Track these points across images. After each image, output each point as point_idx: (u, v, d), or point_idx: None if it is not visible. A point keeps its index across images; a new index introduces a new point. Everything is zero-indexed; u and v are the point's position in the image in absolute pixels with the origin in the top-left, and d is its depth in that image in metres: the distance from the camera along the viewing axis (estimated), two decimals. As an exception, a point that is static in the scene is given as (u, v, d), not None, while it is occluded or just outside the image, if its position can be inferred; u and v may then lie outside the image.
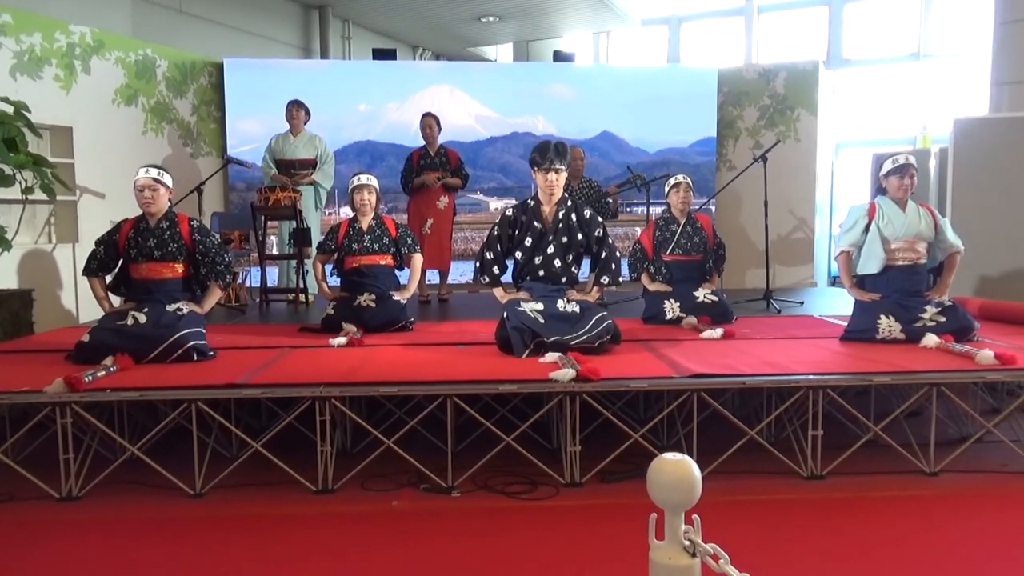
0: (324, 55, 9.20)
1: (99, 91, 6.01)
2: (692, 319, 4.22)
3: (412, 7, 9.35)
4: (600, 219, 3.73)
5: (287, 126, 6.11)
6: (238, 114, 6.97)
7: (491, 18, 9.92)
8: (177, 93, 6.68)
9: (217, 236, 3.72)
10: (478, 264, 3.74)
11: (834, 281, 8.46)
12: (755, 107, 7.64)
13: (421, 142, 5.95)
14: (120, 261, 3.62)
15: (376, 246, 4.32)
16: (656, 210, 6.79)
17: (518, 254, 3.68)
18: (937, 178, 6.77)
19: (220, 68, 6.97)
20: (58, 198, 4.91)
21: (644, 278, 4.58)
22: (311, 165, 6.04)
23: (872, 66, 10.68)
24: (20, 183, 4.51)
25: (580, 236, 3.65)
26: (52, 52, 5.64)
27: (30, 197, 4.59)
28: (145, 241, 3.47)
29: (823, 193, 7.93)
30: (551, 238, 3.61)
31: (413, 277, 4.42)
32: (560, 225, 3.60)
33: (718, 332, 3.94)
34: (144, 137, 6.39)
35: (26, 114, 4.47)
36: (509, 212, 3.70)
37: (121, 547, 2.47)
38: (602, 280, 3.66)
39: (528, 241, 3.64)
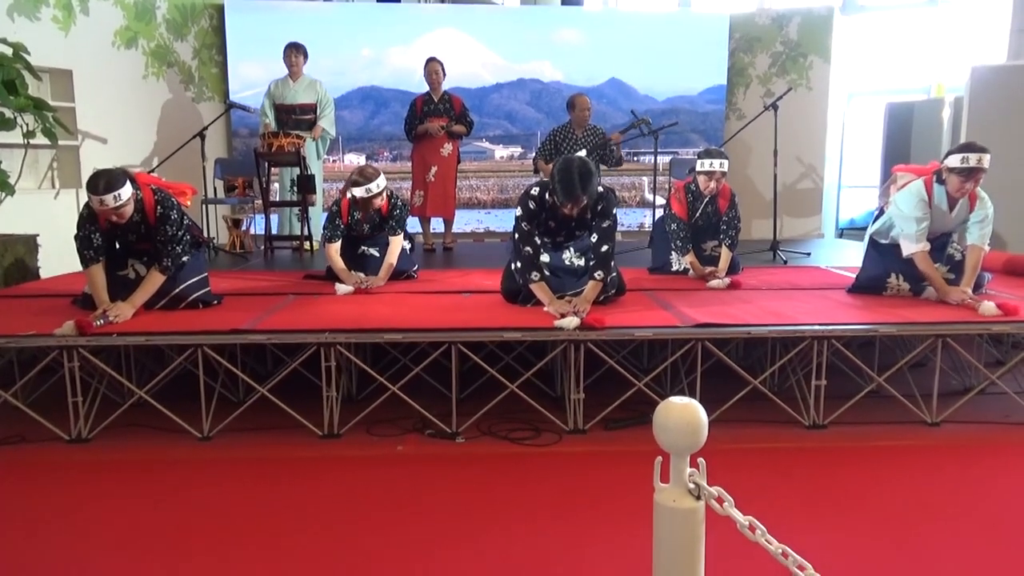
0: (327, -3, 8.99)
1: (98, 33, 5.90)
2: (702, 268, 4.16)
3: (417, -52, 9.09)
4: (615, 214, 3.39)
5: (287, 71, 6.00)
6: (240, 58, 6.85)
7: (498, -41, 9.65)
8: (178, 36, 6.56)
9: (180, 224, 3.30)
10: (518, 264, 3.36)
11: (842, 233, 8.40)
12: (767, 54, 7.48)
13: (426, 88, 5.85)
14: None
15: (375, 231, 4.19)
16: (663, 159, 6.72)
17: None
18: (951, 128, 6.65)
19: (221, 10, 6.82)
20: (60, 142, 4.86)
21: (690, 258, 4.21)
22: (311, 110, 5.95)
23: (888, 12, 10.40)
24: (21, 127, 4.47)
25: (592, 218, 3.41)
26: (49, -8, 5.52)
27: (32, 141, 4.55)
28: (124, 236, 3.33)
29: (834, 143, 7.82)
30: (563, 231, 3.49)
31: (388, 259, 3.98)
32: (575, 223, 3.44)
33: (725, 281, 3.92)
34: (145, 81, 6.30)
35: (25, 56, 4.40)
36: (531, 205, 3.35)
37: (131, 488, 2.51)
38: (596, 275, 3.30)
39: (540, 228, 3.45)
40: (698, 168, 4.15)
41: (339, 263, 3.95)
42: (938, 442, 2.91)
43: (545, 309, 3.20)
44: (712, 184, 4.12)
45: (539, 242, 3.39)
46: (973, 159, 3.26)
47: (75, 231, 3.22)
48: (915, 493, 2.46)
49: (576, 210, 3.27)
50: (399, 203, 4.07)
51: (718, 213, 4.24)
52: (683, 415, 1.18)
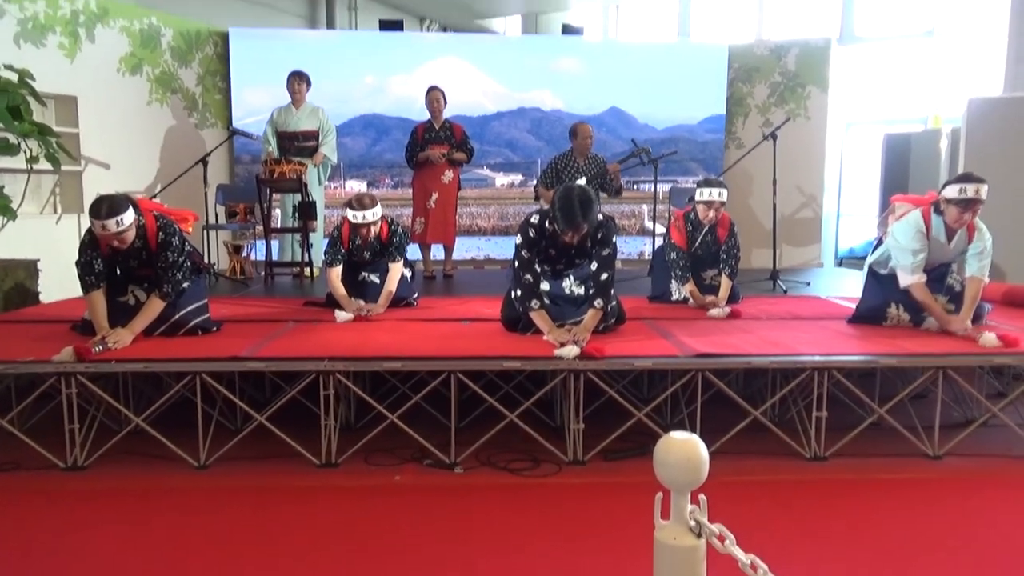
0: (330, 25, 9.11)
1: (104, 60, 5.96)
2: (702, 297, 4.16)
3: (420, -22, 9.22)
4: (614, 242, 3.38)
5: (289, 98, 6.05)
6: (244, 84, 6.92)
7: (500, -10, 9.79)
8: (182, 62, 6.63)
9: (181, 250, 3.29)
10: (518, 292, 3.33)
11: (841, 262, 8.42)
12: (765, 84, 7.55)
13: (427, 116, 5.90)
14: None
15: (375, 256, 4.21)
16: (663, 188, 6.75)
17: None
18: (948, 159, 6.70)
19: (225, 38, 6.90)
20: (63, 168, 4.88)
21: (690, 287, 4.21)
22: (313, 137, 5.99)
23: (885, 43, 10.52)
24: (25, 152, 4.49)
25: (592, 247, 3.42)
26: (56, 20, 5.59)
27: (35, 166, 4.57)
28: (126, 262, 3.34)
29: (832, 172, 7.87)
30: (563, 258, 3.50)
31: (387, 286, 3.98)
32: (574, 251, 3.45)
33: (725, 310, 3.92)
34: (149, 107, 6.35)
35: (30, 82, 4.43)
36: (531, 233, 3.36)
37: (126, 517, 2.48)
38: (596, 304, 3.28)
39: (540, 256, 3.46)
40: (697, 197, 4.17)
41: (340, 289, 3.95)
42: (940, 475, 2.89)
43: (545, 338, 3.19)
44: (711, 213, 4.13)
45: (539, 270, 3.39)
46: (971, 190, 3.27)
47: (76, 256, 3.23)
48: (917, 527, 2.44)
49: (576, 238, 3.27)
50: (399, 230, 4.08)
51: (717, 242, 4.25)
52: (684, 451, 1.17)
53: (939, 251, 3.48)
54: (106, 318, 3.18)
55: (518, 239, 3.39)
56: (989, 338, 3.11)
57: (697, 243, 4.28)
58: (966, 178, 3.33)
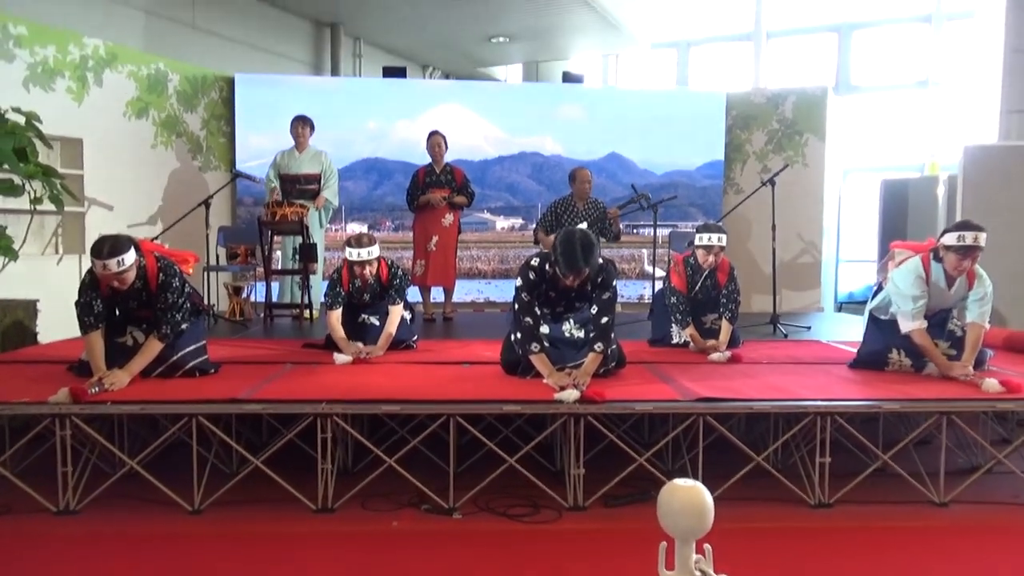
0: (335, 72, 9.27)
1: (111, 103, 6.05)
2: (703, 341, 4.15)
3: (423, 26, 9.43)
4: (615, 285, 3.39)
5: (293, 142, 6.12)
6: (248, 129, 7.00)
7: (501, 39, 9.99)
8: (188, 107, 6.72)
9: (181, 291, 3.29)
10: (518, 335, 3.30)
11: (841, 307, 8.42)
12: (763, 131, 7.65)
13: (429, 159, 5.96)
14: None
15: (375, 299, 4.22)
16: (663, 232, 6.79)
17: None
18: (946, 206, 6.75)
19: (231, 83, 7.02)
20: (66, 209, 4.91)
21: (690, 331, 4.19)
22: (315, 180, 6.05)
23: (880, 92, 10.71)
24: (29, 193, 4.52)
25: (592, 290, 3.42)
26: (65, 64, 5.69)
27: (38, 207, 4.59)
28: (124, 304, 3.32)
29: (831, 219, 7.92)
30: (564, 302, 3.50)
31: (387, 329, 3.97)
32: (574, 294, 3.45)
33: (726, 355, 3.91)
34: (153, 150, 6.42)
35: (37, 124, 4.49)
36: (531, 276, 3.35)
37: (116, 563, 2.43)
38: (596, 347, 3.26)
39: (540, 299, 3.45)
40: (697, 242, 4.18)
41: (339, 331, 3.93)
42: (947, 523, 2.84)
43: (545, 381, 3.17)
44: (711, 258, 4.15)
45: (539, 313, 3.38)
46: (969, 237, 3.28)
47: (76, 297, 3.22)
48: (926, 578, 2.39)
49: (577, 281, 3.27)
50: (399, 272, 4.09)
51: (717, 287, 4.25)
52: (689, 498, 1.15)
53: (939, 297, 3.48)
54: (104, 359, 3.16)
55: (518, 282, 3.39)
56: (992, 384, 3.09)
57: (697, 287, 4.28)
58: (965, 226, 3.35)
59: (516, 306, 3.37)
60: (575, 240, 3.17)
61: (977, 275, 3.43)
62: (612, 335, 3.38)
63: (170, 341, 3.26)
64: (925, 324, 3.42)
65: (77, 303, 3.21)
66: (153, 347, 3.22)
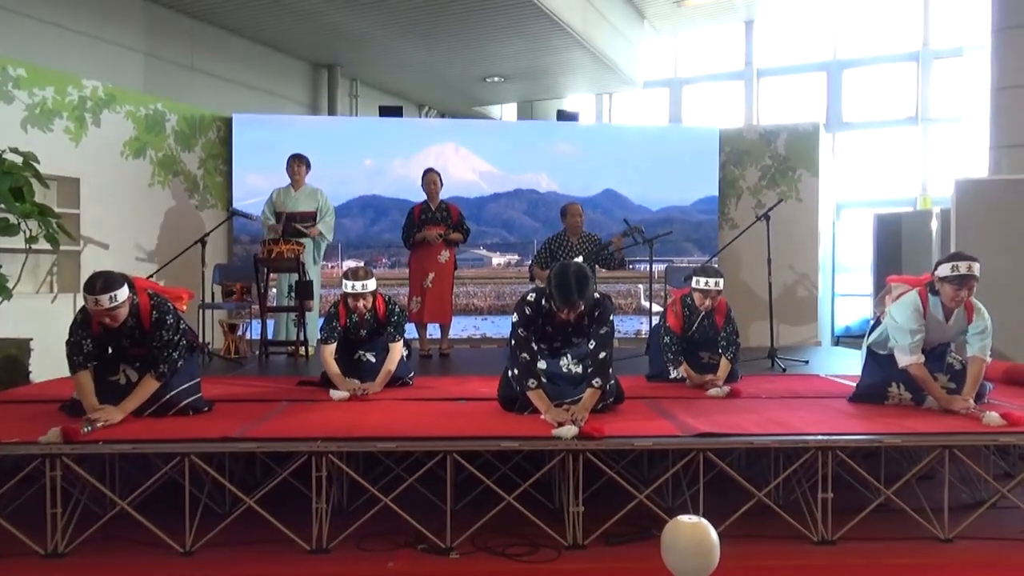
0: (332, 112, 9.36)
1: (108, 144, 6.08)
2: (699, 377, 4.14)
3: (419, 67, 9.56)
4: (611, 320, 3.38)
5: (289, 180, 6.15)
6: (245, 168, 7.04)
7: (496, 79, 10.13)
8: (185, 146, 6.77)
9: (176, 329, 3.27)
10: (515, 371, 3.29)
11: (838, 340, 8.41)
12: (756, 167, 7.72)
13: (424, 197, 5.98)
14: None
15: (372, 335, 4.20)
16: (659, 267, 6.80)
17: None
18: (939, 239, 6.79)
19: (228, 123, 7.07)
20: (62, 248, 4.91)
21: (683, 369, 4.19)
22: (311, 218, 6.06)
23: (871, 129, 10.85)
24: (24, 232, 4.52)
25: (589, 325, 3.40)
26: (64, 105, 5.73)
27: (34, 246, 4.59)
28: (118, 341, 3.31)
29: (825, 253, 7.95)
30: (560, 337, 3.49)
31: (387, 366, 3.95)
32: (571, 329, 3.44)
33: (724, 390, 3.88)
34: (151, 189, 6.44)
35: (34, 164, 4.51)
36: (527, 311, 3.35)
37: (105, 608, 2.37)
38: (594, 383, 3.24)
39: (537, 334, 3.45)
40: (694, 286, 4.21)
41: (333, 367, 3.91)
42: (952, 560, 2.79)
43: (542, 417, 3.14)
44: (708, 301, 4.18)
45: (536, 349, 3.36)
46: (963, 267, 3.29)
47: (67, 336, 3.19)
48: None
49: (573, 315, 3.26)
50: (397, 308, 4.08)
51: (715, 327, 4.27)
52: (694, 536, 1.12)
53: (938, 331, 3.47)
54: (94, 397, 3.13)
55: (514, 317, 3.37)
56: (993, 417, 3.07)
57: (694, 327, 4.30)
58: (957, 256, 3.37)
59: (513, 342, 3.35)
60: (570, 274, 3.17)
61: (975, 308, 3.43)
62: (610, 370, 3.36)
63: (166, 380, 3.23)
64: (923, 359, 3.41)
65: (67, 342, 3.19)
66: (149, 386, 3.19)
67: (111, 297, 3.01)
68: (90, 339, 3.19)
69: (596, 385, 3.24)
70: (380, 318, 4.06)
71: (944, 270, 3.34)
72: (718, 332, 4.26)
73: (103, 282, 3.03)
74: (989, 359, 3.42)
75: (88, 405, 3.09)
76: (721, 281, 4.15)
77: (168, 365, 3.22)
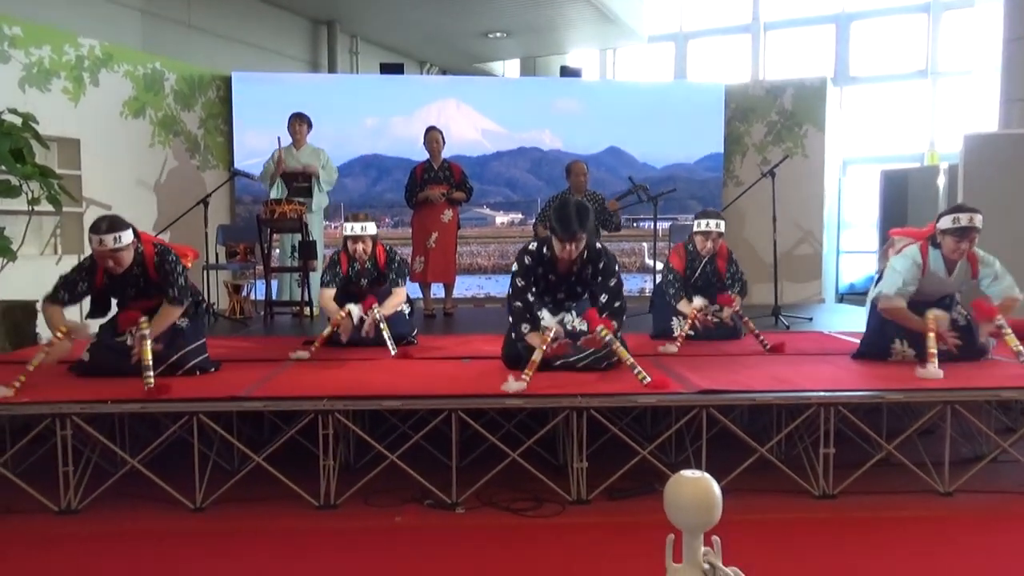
0: (332, 69, 9.24)
1: (107, 104, 6.03)
2: (701, 302, 4.10)
3: (420, 23, 9.39)
4: (618, 272, 3.42)
5: (290, 139, 6.09)
6: (245, 127, 6.98)
7: (498, 34, 9.96)
8: (185, 106, 6.70)
9: (181, 269, 3.32)
10: (510, 319, 3.36)
11: (842, 298, 8.40)
12: (762, 123, 7.62)
13: (427, 156, 5.93)
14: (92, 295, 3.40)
15: (372, 284, 4.24)
16: (663, 225, 6.77)
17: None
18: (947, 195, 6.73)
19: (228, 81, 6.99)
20: (64, 209, 4.90)
21: (683, 304, 4.17)
22: (312, 177, 6.01)
23: (880, 83, 10.68)
24: (27, 194, 4.51)
25: (593, 278, 3.44)
26: (61, 65, 5.66)
27: (36, 208, 4.58)
28: (122, 290, 3.33)
29: (831, 210, 7.90)
30: (563, 287, 3.50)
31: (391, 302, 4.05)
32: (575, 278, 3.45)
33: (673, 348, 3.90)
34: (151, 149, 6.40)
35: (34, 125, 4.47)
36: (527, 260, 3.38)
37: (119, 562, 2.42)
38: (606, 314, 3.26)
39: (541, 285, 3.48)
40: (695, 229, 4.24)
41: (331, 306, 4.01)
42: (952, 512, 2.83)
43: (537, 352, 3.11)
44: (709, 244, 4.19)
45: (532, 300, 3.38)
46: (964, 219, 3.29)
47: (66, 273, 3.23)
48: (932, 566, 2.38)
49: (575, 250, 3.27)
50: (396, 256, 4.19)
51: (717, 273, 4.28)
52: (697, 490, 1.13)
53: (939, 284, 3.48)
54: (64, 321, 3.18)
55: (514, 267, 3.42)
56: (932, 371, 3.12)
57: (697, 273, 4.30)
58: (959, 208, 3.38)
59: (509, 291, 3.40)
60: (570, 205, 3.21)
61: (979, 259, 3.43)
62: (624, 318, 3.38)
63: (180, 302, 3.29)
64: (903, 303, 3.42)
65: (63, 275, 3.23)
66: (168, 311, 3.26)
67: (115, 238, 3.07)
68: (87, 284, 3.24)
69: (601, 330, 3.16)
70: (381, 267, 4.11)
71: (945, 222, 3.34)
72: (721, 278, 4.29)
73: (108, 223, 3.09)
74: (1020, 295, 3.39)
75: (56, 326, 3.14)
76: (722, 224, 4.19)
77: (178, 290, 3.27)
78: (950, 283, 3.49)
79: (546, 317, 3.32)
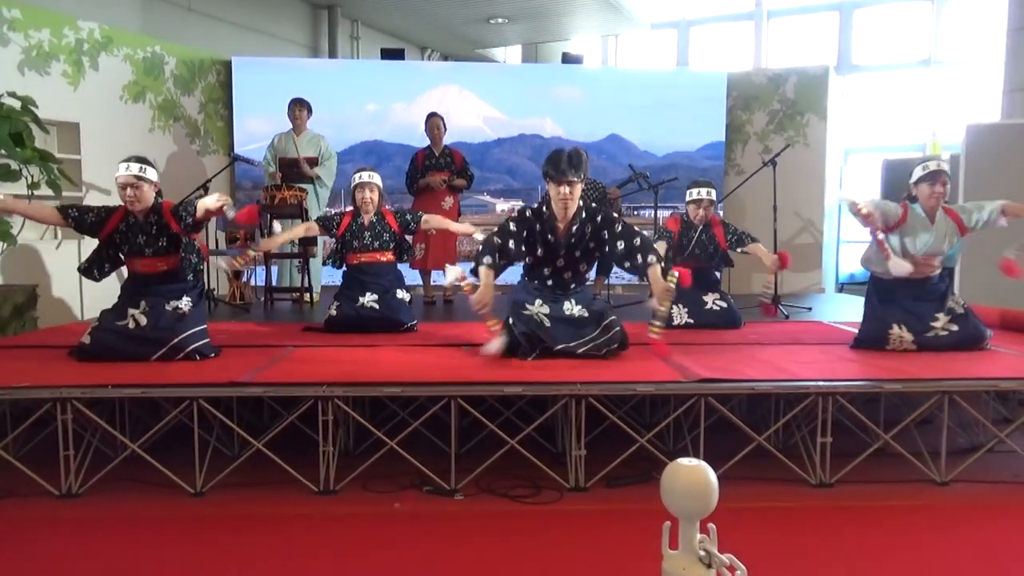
0: (332, 54, 9.19)
1: (107, 88, 6.00)
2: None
3: (421, 8, 9.34)
4: (621, 218, 3.50)
5: (291, 125, 6.08)
6: (246, 112, 6.96)
7: (500, 20, 9.90)
8: (185, 90, 6.67)
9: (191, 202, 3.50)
10: (481, 246, 3.42)
11: (842, 287, 8.41)
12: (764, 112, 7.60)
13: (428, 142, 5.92)
14: (99, 241, 3.49)
15: (377, 243, 4.27)
16: (664, 214, 6.76)
17: (528, 258, 3.55)
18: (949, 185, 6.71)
19: (228, 66, 6.96)
20: (64, 194, 4.89)
21: (661, 244, 4.20)
22: (313, 164, 6.01)
23: (882, 72, 10.64)
24: (26, 178, 4.50)
25: (596, 244, 3.48)
26: (60, 48, 5.64)
27: (36, 192, 4.58)
28: (135, 237, 3.37)
29: (832, 199, 7.88)
30: (563, 252, 3.51)
31: (442, 223, 4.52)
32: (574, 240, 3.46)
33: (772, 258, 4.26)
34: (151, 134, 6.38)
35: (33, 109, 4.46)
36: (527, 212, 3.46)
37: (120, 545, 2.44)
38: (649, 259, 3.30)
39: (540, 251, 3.51)
40: (687, 198, 4.41)
41: (302, 228, 4.36)
42: (948, 502, 2.84)
43: (472, 298, 3.27)
44: (701, 212, 4.34)
45: (511, 247, 3.40)
46: (932, 164, 3.60)
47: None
48: (928, 555, 2.39)
49: (570, 198, 3.32)
50: (404, 214, 4.41)
51: (714, 241, 4.39)
52: (693, 478, 1.14)
53: (926, 239, 3.61)
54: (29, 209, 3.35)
55: (513, 214, 3.53)
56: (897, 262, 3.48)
57: (693, 242, 4.38)
58: (927, 158, 3.73)
59: (495, 228, 3.47)
60: (564, 151, 3.32)
61: (957, 208, 3.68)
62: (655, 247, 3.40)
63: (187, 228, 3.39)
64: (876, 211, 3.58)
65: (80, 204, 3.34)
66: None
67: (141, 167, 3.25)
68: (97, 219, 3.36)
69: (652, 262, 3.30)
70: (392, 227, 4.31)
71: (917, 172, 3.63)
72: (718, 247, 4.38)
73: (138, 156, 3.33)
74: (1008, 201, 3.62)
75: (14, 208, 3.37)
76: (713, 191, 4.37)
77: (186, 205, 3.40)
78: (936, 235, 3.60)
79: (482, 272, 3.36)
